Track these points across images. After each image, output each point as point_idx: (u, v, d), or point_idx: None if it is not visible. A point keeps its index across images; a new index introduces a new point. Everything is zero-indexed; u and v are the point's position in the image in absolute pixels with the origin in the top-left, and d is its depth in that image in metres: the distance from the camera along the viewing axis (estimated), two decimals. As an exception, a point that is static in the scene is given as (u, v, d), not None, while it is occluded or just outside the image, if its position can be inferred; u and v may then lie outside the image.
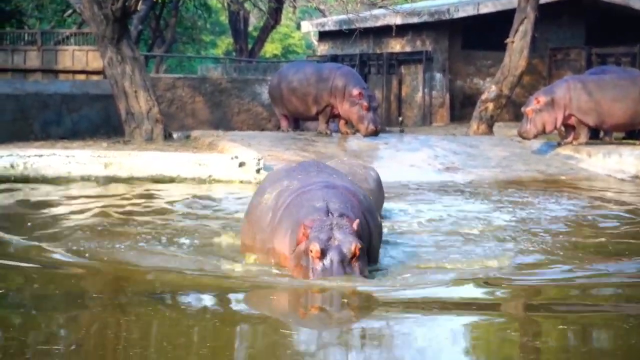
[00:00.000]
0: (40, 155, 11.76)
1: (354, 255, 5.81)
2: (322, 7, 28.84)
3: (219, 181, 11.83)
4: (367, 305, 5.64)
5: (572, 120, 14.55)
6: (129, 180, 11.67)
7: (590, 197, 11.13)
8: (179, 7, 32.55)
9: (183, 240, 7.62)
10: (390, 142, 15.07)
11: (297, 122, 16.52)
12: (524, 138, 14.76)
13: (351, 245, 5.81)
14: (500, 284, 6.21)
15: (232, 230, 8.06)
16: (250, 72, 26.27)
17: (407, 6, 21.84)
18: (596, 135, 15.28)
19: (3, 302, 5.59)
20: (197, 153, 12.61)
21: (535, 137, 14.68)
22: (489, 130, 17.04)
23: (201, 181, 11.83)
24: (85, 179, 11.68)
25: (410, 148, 14.68)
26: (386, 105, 22.26)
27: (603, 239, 8.13)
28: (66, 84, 16.57)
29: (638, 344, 4.82)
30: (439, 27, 21.67)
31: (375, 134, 14.81)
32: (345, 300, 5.59)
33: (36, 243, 7.31)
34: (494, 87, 17.08)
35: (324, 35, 25.92)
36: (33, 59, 20.68)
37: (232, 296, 5.81)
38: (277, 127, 17.22)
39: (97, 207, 9.60)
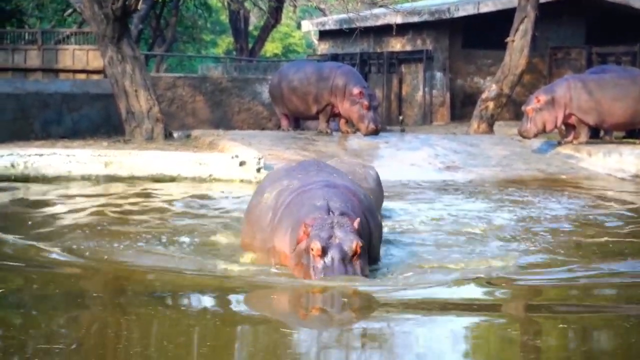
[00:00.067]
0: (41, 155, 11.76)
1: (355, 253, 5.81)
2: (322, 6, 28.80)
3: (219, 180, 11.83)
4: (368, 305, 5.62)
5: (573, 120, 14.55)
6: (129, 180, 11.68)
7: (590, 196, 11.12)
8: (180, 7, 32.55)
9: (183, 238, 7.61)
10: (390, 141, 15.07)
11: (298, 121, 16.52)
12: (524, 137, 14.76)
13: (352, 243, 5.80)
14: (504, 284, 6.19)
15: (231, 229, 8.07)
16: (251, 71, 26.26)
17: (407, 5, 21.84)
18: (596, 134, 15.28)
19: (2, 301, 5.59)
20: (197, 152, 12.61)
21: (536, 136, 14.68)
22: (490, 129, 17.03)
23: (202, 180, 11.83)
24: (85, 178, 11.69)
25: (411, 147, 14.68)
26: (386, 104, 22.25)
27: (605, 239, 8.10)
28: (67, 83, 16.57)
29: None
30: (440, 26, 21.66)
31: (375, 133, 14.81)
32: (346, 300, 5.57)
33: (33, 242, 7.30)
34: (494, 86, 17.08)
35: (324, 35, 25.91)
36: (33, 58, 20.67)
37: (230, 296, 5.79)
38: (278, 127, 17.22)
39: (96, 206, 9.60)
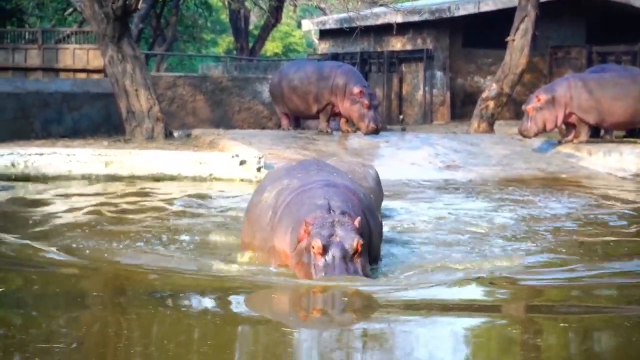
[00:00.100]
0: (41, 154, 11.77)
1: (356, 251, 5.80)
2: (322, 5, 28.86)
3: (219, 179, 11.83)
4: (369, 306, 5.59)
5: (573, 119, 14.55)
6: (129, 179, 11.68)
7: (591, 196, 11.12)
8: (180, 6, 32.54)
9: (181, 237, 7.61)
10: (391, 140, 15.08)
11: (298, 120, 16.52)
12: (524, 136, 14.76)
13: (353, 241, 5.80)
14: (507, 284, 6.15)
15: (229, 228, 8.07)
16: (251, 70, 26.26)
17: (407, 4, 21.84)
18: (597, 133, 15.28)
19: (1, 300, 5.60)
20: (197, 152, 12.61)
21: (536, 135, 14.68)
22: (490, 129, 17.03)
23: (202, 180, 11.83)
24: (86, 177, 11.69)
25: (411, 146, 14.69)
26: (387, 104, 22.25)
27: (607, 238, 8.08)
28: (67, 83, 16.58)
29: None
30: (440, 25, 21.65)
31: (376, 132, 14.82)
32: (346, 300, 5.55)
33: (30, 242, 7.29)
34: (494, 85, 17.08)
35: (324, 34, 25.90)
36: (34, 57, 20.69)
37: (228, 296, 5.76)
38: (278, 126, 17.22)
39: (93, 205, 9.60)
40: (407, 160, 13.80)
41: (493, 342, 4.92)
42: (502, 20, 18.29)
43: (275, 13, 29.01)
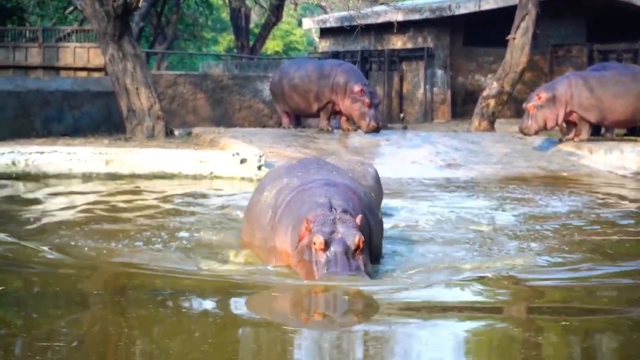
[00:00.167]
0: (42, 152, 11.76)
1: (357, 248, 5.79)
2: (323, 3, 28.85)
3: (220, 178, 11.83)
4: (370, 306, 5.56)
5: (574, 117, 14.54)
6: (130, 177, 11.67)
7: (592, 194, 11.11)
8: (180, 4, 32.55)
9: (173, 235, 7.59)
10: (391, 138, 15.07)
11: (299, 119, 16.52)
12: (525, 134, 14.75)
13: (355, 237, 5.78)
14: (510, 284, 6.11)
15: (223, 227, 8.05)
16: (252, 69, 26.27)
17: (408, 3, 21.82)
18: (597, 131, 15.27)
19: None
20: (198, 150, 12.60)
21: (537, 133, 14.67)
22: (491, 127, 17.03)
23: (203, 178, 11.83)
24: (86, 176, 11.69)
25: (412, 145, 14.69)
26: (387, 102, 22.24)
27: (609, 237, 8.03)
28: (67, 81, 16.58)
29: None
30: (441, 23, 21.64)
31: (376, 130, 14.82)
32: (347, 300, 5.53)
33: (26, 240, 7.26)
34: (495, 84, 17.07)
35: (325, 32, 25.89)
36: (34, 55, 20.69)
37: (227, 296, 5.71)
38: (279, 124, 17.22)
39: (88, 203, 9.58)
40: (407, 159, 13.79)
41: (494, 344, 4.89)
42: (503, 18, 18.28)
43: (275, 11, 29.03)
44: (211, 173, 11.91)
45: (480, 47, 22.05)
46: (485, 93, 17.25)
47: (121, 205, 9.56)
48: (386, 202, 9.09)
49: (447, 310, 5.44)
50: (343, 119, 15.57)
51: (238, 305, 5.54)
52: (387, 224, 7.76)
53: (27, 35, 22.08)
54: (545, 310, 5.66)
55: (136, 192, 10.67)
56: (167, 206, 9.52)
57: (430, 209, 9.51)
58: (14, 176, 11.39)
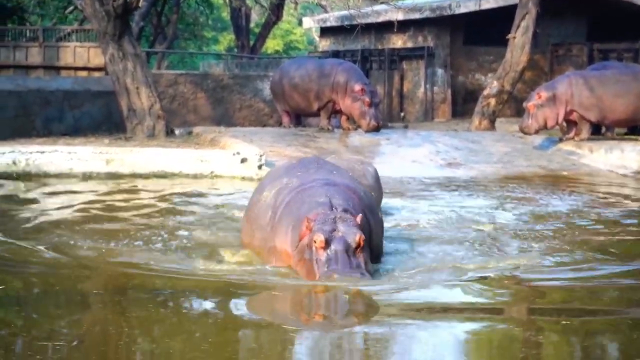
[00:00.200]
0: (42, 152, 11.76)
1: (358, 246, 5.78)
2: (323, 3, 28.85)
3: (221, 177, 11.83)
4: (370, 307, 5.54)
5: (574, 116, 14.54)
6: (130, 177, 11.68)
7: (592, 193, 11.11)
8: (181, 4, 32.57)
9: (179, 234, 7.59)
10: (392, 137, 15.07)
11: (299, 118, 16.53)
12: (525, 133, 14.75)
13: (355, 235, 5.78)
14: (512, 284, 6.09)
15: (217, 226, 8.05)
16: (252, 68, 26.28)
17: (408, 2, 21.81)
18: (598, 130, 15.27)
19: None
20: (199, 149, 12.60)
21: (537, 132, 14.66)
22: (491, 126, 17.03)
23: (203, 177, 11.84)
24: (87, 175, 11.69)
25: (412, 144, 14.68)
26: (388, 101, 22.24)
27: (611, 237, 8.01)
28: (68, 81, 16.58)
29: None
30: (441, 22, 21.65)
31: (377, 129, 14.82)
32: (348, 300, 5.52)
33: (23, 240, 7.26)
34: (495, 83, 17.07)
35: (325, 31, 25.90)
36: (35, 55, 20.71)
37: (225, 296, 5.70)
38: (279, 123, 17.22)
39: (85, 202, 9.58)
40: (408, 158, 13.79)
41: (495, 346, 4.88)
42: (503, 17, 18.28)
43: (276, 11, 29.04)
44: (212, 172, 11.91)
45: (481, 46, 22.05)
46: (485, 92, 17.26)
47: (121, 204, 9.56)
48: (386, 201, 9.09)
49: (448, 311, 5.42)
50: (343, 118, 15.57)
51: (238, 306, 5.52)
52: (387, 223, 7.76)
53: (28, 34, 22.10)
54: (546, 311, 5.64)
55: (136, 191, 10.68)
56: (166, 205, 9.51)
57: (430, 208, 9.50)
58: (14, 176, 11.39)
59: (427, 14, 21.18)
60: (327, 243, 5.76)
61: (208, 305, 5.52)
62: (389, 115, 21.44)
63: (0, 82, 15.65)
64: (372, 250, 6.22)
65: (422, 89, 21.89)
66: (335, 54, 23.10)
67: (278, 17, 30.16)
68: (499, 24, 18.48)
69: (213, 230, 7.89)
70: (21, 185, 10.89)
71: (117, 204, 9.59)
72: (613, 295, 6.06)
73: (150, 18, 31.06)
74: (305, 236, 5.91)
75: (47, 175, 11.54)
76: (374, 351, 4.64)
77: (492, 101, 16.97)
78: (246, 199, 7.66)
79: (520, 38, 16.65)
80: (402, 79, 22.46)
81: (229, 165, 11.89)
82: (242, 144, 12.64)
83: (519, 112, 17.69)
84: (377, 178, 8.61)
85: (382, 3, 18.35)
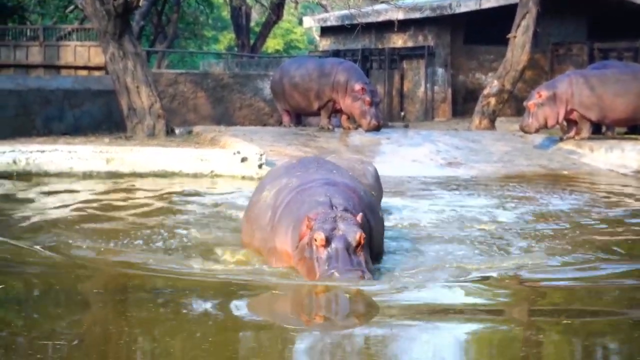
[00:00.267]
0: (43, 151, 11.76)
1: (358, 244, 5.77)
2: (324, 2, 28.85)
3: (221, 176, 11.83)
4: (371, 307, 5.52)
5: (574, 115, 14.53)
6: (130, 176, 11.67)
7: (593, 193, 11.10)
8: (181, 3, 32.57)
9: (178, 233, 7.58)
10: (392, 137, 15.07)
11: (299, 117, 16.53)
12: (525, 132, 14.74)
13: (356, 234, 5.77)
14: (514, 284, 6.07)
15: (225, 227, 8.05)
16: (252, 67, 26.29)
17: (409, 1, 21.82)
18: (598, 130, 15.27)
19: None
20: (199, 148, 12.60)
21: (537, 131, 14.66)
22: (491, 125, 17.03)
23: (203, 176, 11.83)
24: (87, 174, 11.69)
25: (413, 143, 14.68)
26: (388, 101, 22.24)
27: (612, 237, 7.99)
28: (68, 80, 16.58)
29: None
30: (441, 22, 21.65)
31: (377, 129, 14.81)
32: (348, 298, 5.52)
33: (20, 241, 7.24)
34: (496, 82, 17.07)
35: (326, 31, 25.89)
36: (35, 54, 20.72)
37: (224, 296, 5.68)
38: (279, 123, 17.22)
39: (82, 202, 9.57)
40: (408, 157, 13.79)
41: (495, 347, 4.86)
42: (504, 17, 18.28)
43: (276, 10, 29.04)
44: (212, 172, 11.91)
45: (481, 46, 22.05)
46: (486, 91, 17.26)
47: (120, 203, 9.55)
48: (387, 201, 9.08)
49: (449, 312, 5.39)
50: (344, 117, 15.57)
51: (238, 306, 5.50)
52: (387, 222, 7.76)
53: (28, 34, 22.11)
54: (547, 312, 5.61)
55: (136, 190, 10.67)
56: (166, 205, 9.50)
57: (431, 208, 9.50)
58: (14, 175, 11.39)
59: (427, 13, 21.19)
60: (328, 241, 5.75)
61: (208, 305, 5.50)
62: (389, 115, 21.44)
63: (1, 81, 15.65)
64: (372, 249, 6.22)
65: (422, 89, 21.89)
66: (336, 54, 23.11)
67: (278, 16, 30.17)
68: (499, 23, 18.48)
69: (213, 229, 7.88)
70: (21, 184, 10.89)
71: (117, 203, 9.59)
72: (615, 296, 6.02)
73: (151, 17, 31.06)
74: (305, 235, 5.90)
75: (47, 174, 11.54)
76: (375, 352, 4.63)
77: (493, 100, 16.97)
78: (246, 199, 7.65)
79: (520, 37, 16.65)
80: (402, 78, 22.46)
81: (229, 165, 11.89)
82: (242, 143, 12.63)
83: (520, 112, 17.69)
84: (377, 177, 8.60)
85: (382, 2, 18.35)
